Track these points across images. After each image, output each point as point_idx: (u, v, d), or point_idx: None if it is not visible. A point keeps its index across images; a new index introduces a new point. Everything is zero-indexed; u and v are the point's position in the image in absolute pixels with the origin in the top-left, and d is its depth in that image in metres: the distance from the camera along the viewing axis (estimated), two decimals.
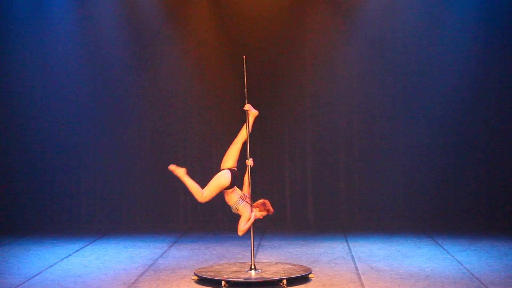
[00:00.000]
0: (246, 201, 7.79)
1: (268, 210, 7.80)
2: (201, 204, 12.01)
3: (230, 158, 7.87)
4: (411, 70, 11.86)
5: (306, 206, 12.04)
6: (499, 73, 11.67)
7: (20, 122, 11.96)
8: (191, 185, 7.68)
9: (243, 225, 7.68)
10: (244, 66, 7.95)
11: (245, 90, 7.93)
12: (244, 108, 7.88)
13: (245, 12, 11.96)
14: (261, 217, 7.80)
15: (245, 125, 7.86)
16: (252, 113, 7.88)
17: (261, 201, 7.82)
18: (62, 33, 11.94)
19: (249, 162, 7.81)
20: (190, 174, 11.91)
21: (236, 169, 7.86)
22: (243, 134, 7.88)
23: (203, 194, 7.68)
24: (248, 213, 7.71)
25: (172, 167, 7.74)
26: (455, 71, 11.73)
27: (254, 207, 7.75)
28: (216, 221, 12.03)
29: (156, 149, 12.13)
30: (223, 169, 7.80)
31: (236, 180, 7.81)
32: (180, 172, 7.73)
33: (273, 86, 12.03)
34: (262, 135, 11.92)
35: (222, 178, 7.73)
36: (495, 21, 11.59)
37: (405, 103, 11.89)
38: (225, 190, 7.78)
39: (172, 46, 12.10)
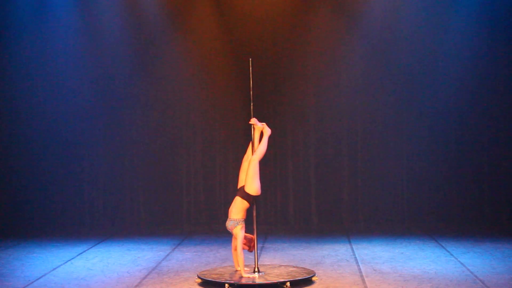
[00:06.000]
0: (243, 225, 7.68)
1: (249, 247, 7.78)
2: (204, 207, 12.01)
3: (245, 172, 7.74)
4: (413, 73, 11.86)
5: (310, 209, 12.03)
6: (502, 74, 11.66)
7: (23, 125, 11.96)
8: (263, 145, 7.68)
9: (240, 246, 7.62)
10: (250, 68, 7.93)
11: (251, 92, 7.90)
12: (250, 122, 7.83)
13: (249, 15, 11.96)
14: (247, 248, 7.77)
15: (255, 141, 7.79)
16: (258, 127, 7.78)
17: (249, 236, 7.77)
18: (64, 33, 11.95)
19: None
20: (192, 175, 12.09)
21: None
22: (251, 149, 7.78)
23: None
24: (242, 234, 7.61)
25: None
26: (457, 73, 11.73)
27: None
28: (219, 223, 12.02)
29: (159, 151, 12.13)
30: (241, 187, 7.67)
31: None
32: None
33: (276, 89, 12.03)
34: None
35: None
36: (498, 23, 11.58)
37: (408, 105, 11.88)
38: (245, 204, 7.65)
39: (175, 48, 12.10)
